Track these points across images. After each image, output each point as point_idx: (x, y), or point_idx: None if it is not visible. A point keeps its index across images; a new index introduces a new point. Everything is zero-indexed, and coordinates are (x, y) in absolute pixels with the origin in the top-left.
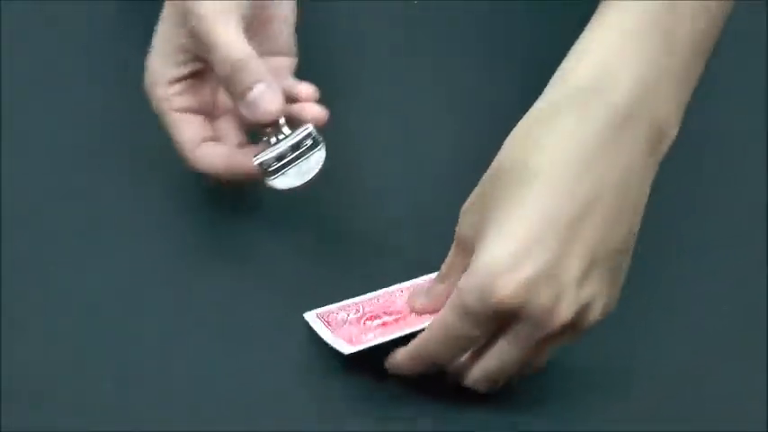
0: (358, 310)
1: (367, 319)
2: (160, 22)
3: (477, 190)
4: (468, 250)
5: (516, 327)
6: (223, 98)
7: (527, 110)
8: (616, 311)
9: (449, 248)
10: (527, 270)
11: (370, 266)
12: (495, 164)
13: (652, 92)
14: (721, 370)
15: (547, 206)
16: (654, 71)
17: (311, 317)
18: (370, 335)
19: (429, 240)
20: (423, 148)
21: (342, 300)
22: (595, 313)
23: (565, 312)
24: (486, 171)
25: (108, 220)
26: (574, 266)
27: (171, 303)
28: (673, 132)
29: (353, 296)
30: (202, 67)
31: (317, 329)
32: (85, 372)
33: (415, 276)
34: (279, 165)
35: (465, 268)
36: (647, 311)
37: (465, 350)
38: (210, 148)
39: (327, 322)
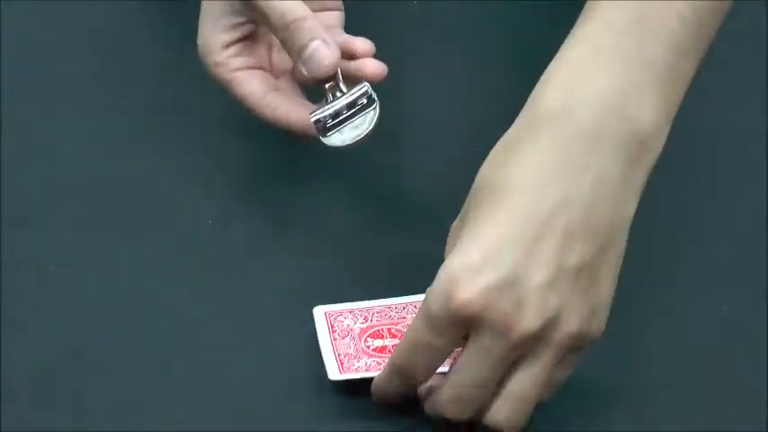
0: (366, 319)
1: (369, 336)
2: None
3: (460, 213)
4: None
5: (479, 336)
6: (278, 58)
7: None
8: (615, 310)
9: None
10: (487, 277)
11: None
12: (472, 186)
13: (626, 106)
14: (721, 370)
15: (510, 220)
16: (628, 84)
17: (319, 313)
18: (363, 361)
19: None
20: (425, 148)
21: (356, 294)
22: (566, 328)
23: (527, 321)
24: None
25: (108, 220)
26: (536, 276)
27: (171, 303)
28: (657, 142)
29: (367, 294)
30: (254, 29)
31: (319, 332)
32: (85, 372)
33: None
34: (334, 122)
35: None
36: (647, 311)
37: (434, 362)
38: (277, 99)
39: (332, 326)
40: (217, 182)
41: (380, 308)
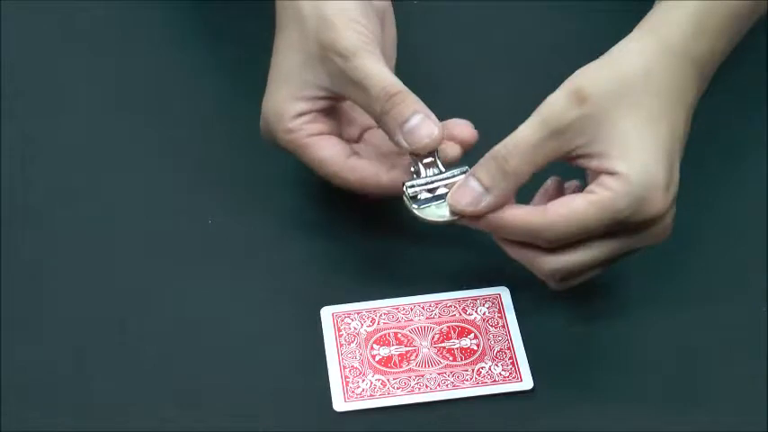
0: (373, 321)
1: (375, 342)
2: (281, 57)
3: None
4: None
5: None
6: (349, 132)
7: (528, 109)
8: (615, 310)
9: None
10: (674, 187)
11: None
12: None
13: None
14: (721, 370)
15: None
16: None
17: (326, 314)
18: (367, 380)
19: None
20: None
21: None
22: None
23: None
24: None
25: (108, 220)
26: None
27: (171, 303)
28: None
29: (374, 294)
30: (332, 105)
31: (325, 337)
32: (85, 372)
33: (437, 285)
34: (429, 196)
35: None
36: (647, 311)
37: (579, 241)
38: (360, 162)
39: (338, 328)
40: (219, 181)
41: (388, 309)
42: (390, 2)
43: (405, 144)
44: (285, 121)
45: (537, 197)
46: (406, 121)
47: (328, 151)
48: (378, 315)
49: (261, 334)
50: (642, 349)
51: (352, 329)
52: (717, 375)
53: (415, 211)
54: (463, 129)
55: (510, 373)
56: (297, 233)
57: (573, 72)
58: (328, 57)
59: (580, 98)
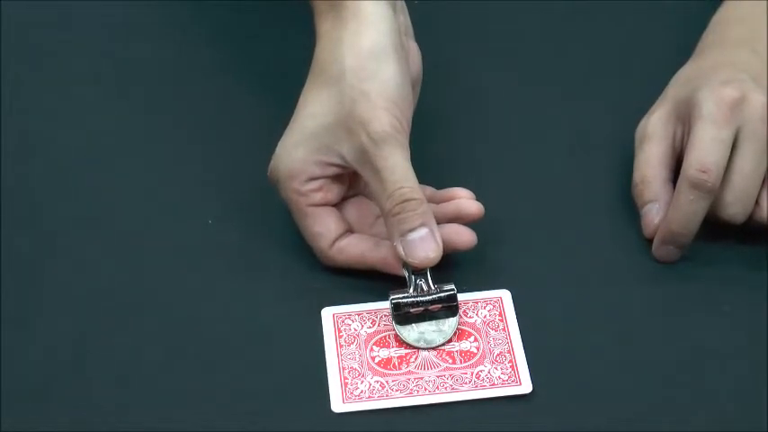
0: (374, 323)
1: (375, 344)
2: (309, 112)
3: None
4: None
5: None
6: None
7: (528, 109)
8: (615, 310)
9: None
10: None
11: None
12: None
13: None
14: (721, 370)
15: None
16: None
17: (327, 315)
18: (366, 382)
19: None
20: (426, 147)
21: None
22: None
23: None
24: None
25: (108, 219)
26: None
27: (172, 303)
28: None
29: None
30: (345, 173)
31: (325, 339)
32: (85, 372)
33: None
34: (414, 315)
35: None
36: (646, 312)
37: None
38: (347, 244)
39: (339, 329)
40: (219, 181)
41: (388, 310)
42: (421, 71)
43: (402, 252)
44: (296, 182)
45: (658, 213)
46: (411, 231)
47: (323, 228)
48: (378, 317)
49: (261, 334)
50: (642, 351)
51: (353, 331)
52: (717, 375)
53: (397, 327)
54: (470, 206)
55: (509, 377)
56: (298, 233)
57: (572, 72)
58: (357, 131)
59: None
